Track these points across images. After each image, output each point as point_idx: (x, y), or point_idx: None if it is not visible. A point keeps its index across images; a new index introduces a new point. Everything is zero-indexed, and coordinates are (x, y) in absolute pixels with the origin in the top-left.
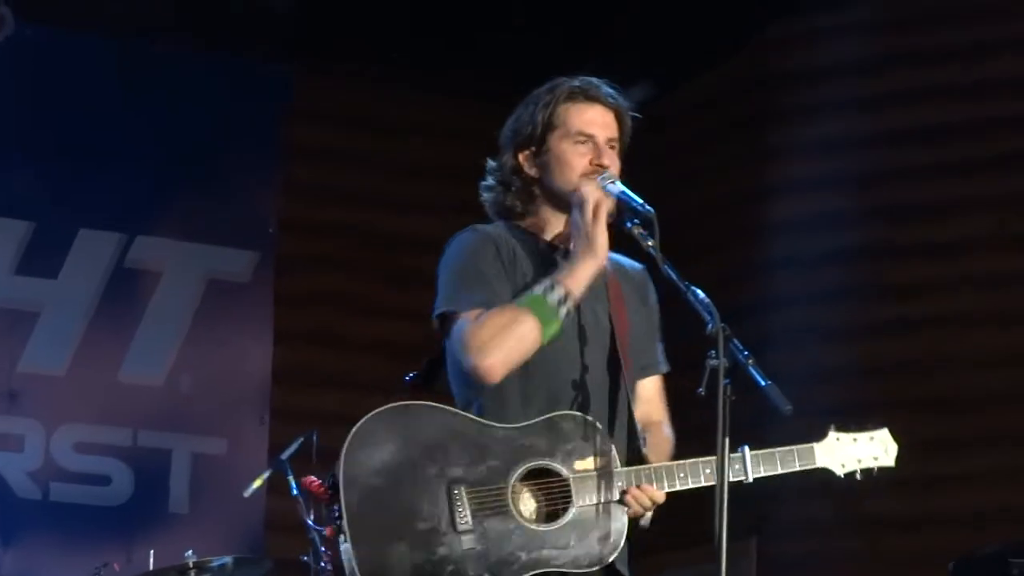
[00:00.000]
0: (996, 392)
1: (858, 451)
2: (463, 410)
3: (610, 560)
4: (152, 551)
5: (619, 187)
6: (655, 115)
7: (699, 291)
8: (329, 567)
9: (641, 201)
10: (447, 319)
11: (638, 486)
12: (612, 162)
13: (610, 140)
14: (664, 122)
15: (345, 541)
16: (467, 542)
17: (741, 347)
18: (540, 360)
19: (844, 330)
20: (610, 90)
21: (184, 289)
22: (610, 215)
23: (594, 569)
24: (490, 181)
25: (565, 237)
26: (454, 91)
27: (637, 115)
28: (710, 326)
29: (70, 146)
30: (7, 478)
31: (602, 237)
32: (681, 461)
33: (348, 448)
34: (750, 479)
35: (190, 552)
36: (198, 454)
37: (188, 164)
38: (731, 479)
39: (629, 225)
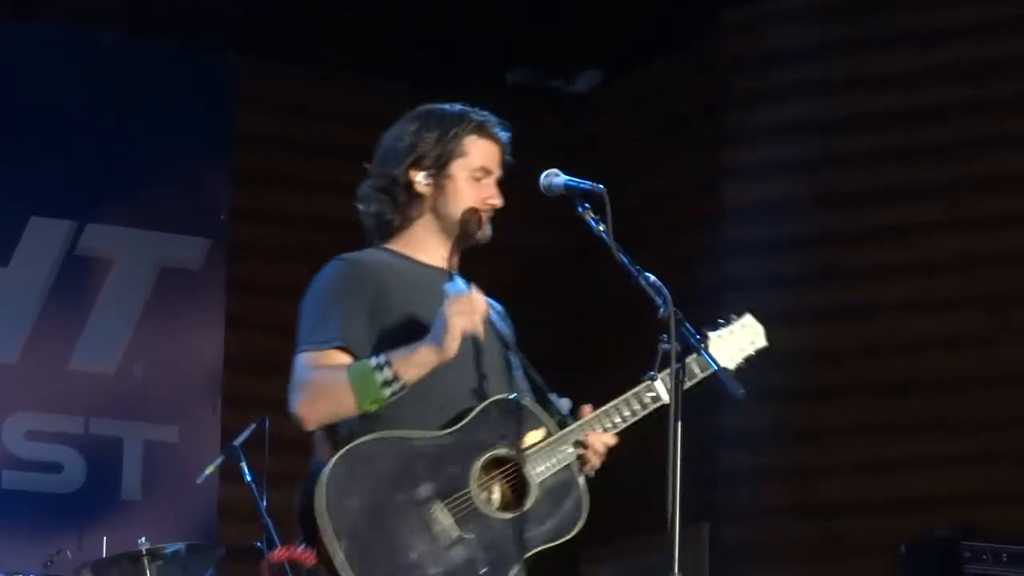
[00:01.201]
0: (947, 376)
1: (738, 342)
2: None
3: (585, 517)
4: (105, 538)
5: (563, 178)
6: (612, 102)
7: (650, 275)
8: None
9: (589, 184)
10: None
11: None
12: (500, 199)
13: (499, 176)
14: (620, 109)
15: None
16: (457, 555)
17: (693, 331)
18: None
19: (796, 315)
20: (506, 131)
21: (136, 276)
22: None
23: (574, 531)
24: (369, 190)
25: (439, 258)
26: (407, 80)
27: (511, 159)
28: (662, 310)
29: (20, 134)
30: None
31: (455, 344)
32: (612, 403)
33: (328, 505)
34: (666, 399)
35: (143, 539)
36: (150, 441)
37: (139, 151)
38: (651, 407)
39: (580, 209)
